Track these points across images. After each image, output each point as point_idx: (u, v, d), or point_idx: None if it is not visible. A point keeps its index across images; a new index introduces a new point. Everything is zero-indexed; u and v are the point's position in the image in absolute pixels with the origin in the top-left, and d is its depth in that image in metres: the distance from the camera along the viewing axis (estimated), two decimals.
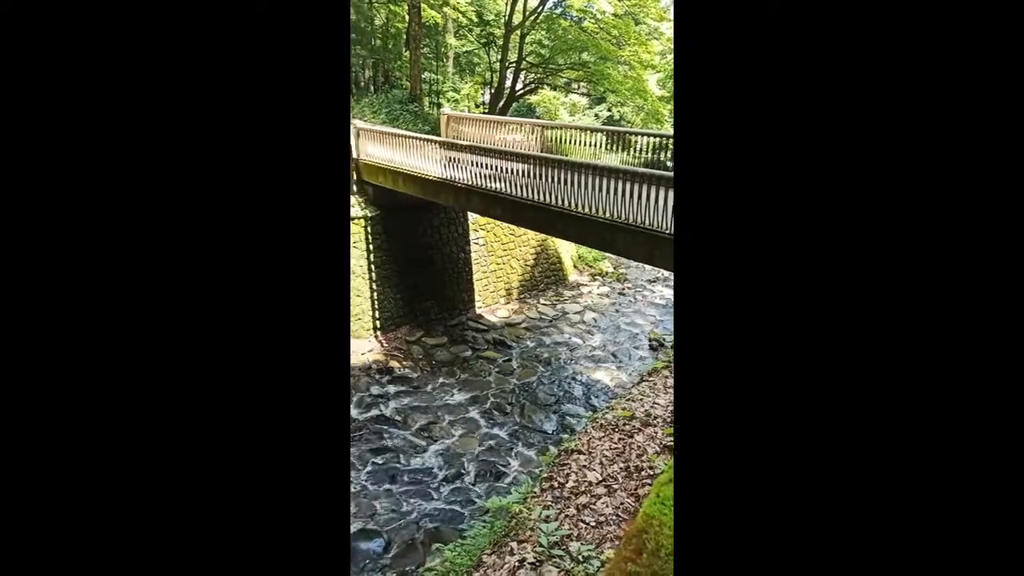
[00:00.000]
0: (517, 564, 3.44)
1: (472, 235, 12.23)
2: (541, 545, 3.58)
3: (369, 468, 7.57)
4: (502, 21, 18.24)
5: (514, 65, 17.82)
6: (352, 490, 7.13)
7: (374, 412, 8.82)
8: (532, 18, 17.40)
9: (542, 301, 13.38)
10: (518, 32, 17.26)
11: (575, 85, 21.05)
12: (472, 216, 11.92)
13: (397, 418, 8.75)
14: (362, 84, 19.73)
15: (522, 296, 13.38)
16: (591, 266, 15.68)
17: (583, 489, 4.40)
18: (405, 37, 18.32)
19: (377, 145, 10.26)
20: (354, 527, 6.54)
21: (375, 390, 9.41)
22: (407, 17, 16.97)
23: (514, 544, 3.67)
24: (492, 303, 12.79)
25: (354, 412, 8.78)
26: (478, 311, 12.42)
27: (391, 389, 9.50)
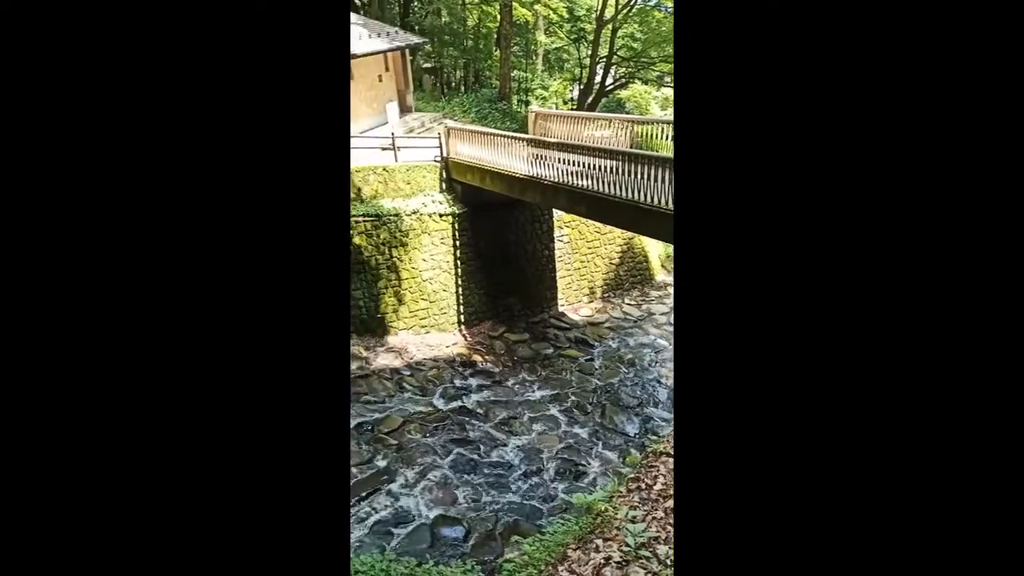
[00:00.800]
0: (602, 561, 3.38)
1: (556, 232, 12.18)
2: (627, 545, 3.48)
3: (451, 457, 7.76)
4: (593, 16, 18.05)
5: (604, 60, 17.56)
6: (435, 477, 7.34)
7: (457, 404, 9.03)
8: (624, 11, 17.05)
9: (627, 301, 13.07)
10: (609, 26, 16.99)
11: (667, 79, 20.40)
12: (557, 213, 11.87)
13: (479, 411, 8.89)
14: (453, 84, 20.25)
15: (606, 295, 13.14)
16: None
17: (672, 492, 4.24)
18: (496, 36, 18.61)
19: (466, 144, 10.48)
20: (435, 513, 6.72)
21: (458, 382, 9.63)
22: (499, 17, 17.22)
23: (599, 541, 3.60)
24: (575, 301, 12.67)
25: (439, 403, 9.03)
26: (560, 309, 12.36)
27: (473, 382, 9.68)
